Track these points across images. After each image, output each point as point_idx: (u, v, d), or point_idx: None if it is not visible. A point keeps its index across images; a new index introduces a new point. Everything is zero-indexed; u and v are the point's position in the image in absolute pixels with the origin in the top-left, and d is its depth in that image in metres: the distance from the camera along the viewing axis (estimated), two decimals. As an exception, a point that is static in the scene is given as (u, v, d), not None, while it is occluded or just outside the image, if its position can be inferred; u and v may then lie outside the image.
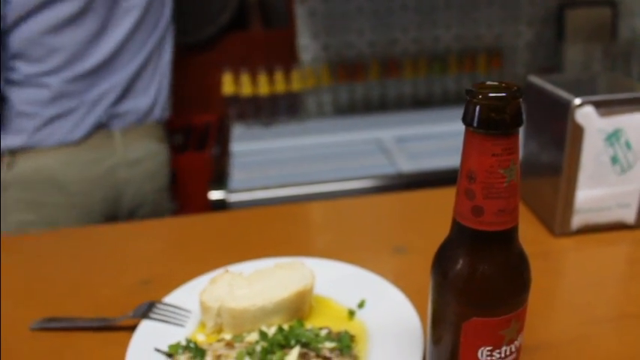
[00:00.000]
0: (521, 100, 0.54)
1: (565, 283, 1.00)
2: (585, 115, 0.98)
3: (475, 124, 0.55)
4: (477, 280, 0.60)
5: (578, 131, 0.99)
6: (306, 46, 2.66)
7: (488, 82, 0.57)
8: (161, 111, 1.72)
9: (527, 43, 2.83)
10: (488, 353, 0.62)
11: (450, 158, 2.12)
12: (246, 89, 2.53)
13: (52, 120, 1.58)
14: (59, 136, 1.59)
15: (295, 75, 2.59)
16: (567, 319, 0.88)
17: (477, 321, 0.60)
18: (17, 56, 1.53)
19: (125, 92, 1.60)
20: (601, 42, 2.77)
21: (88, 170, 1.64)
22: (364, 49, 2.71)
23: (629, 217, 1.07)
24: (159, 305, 0.88)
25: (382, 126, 2.50)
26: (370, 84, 2.70)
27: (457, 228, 0.61)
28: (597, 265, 1.02)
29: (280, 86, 2.56)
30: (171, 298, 0.90)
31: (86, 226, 1.51)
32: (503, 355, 0.63)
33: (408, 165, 2.16)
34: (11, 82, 1.57)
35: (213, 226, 1.23)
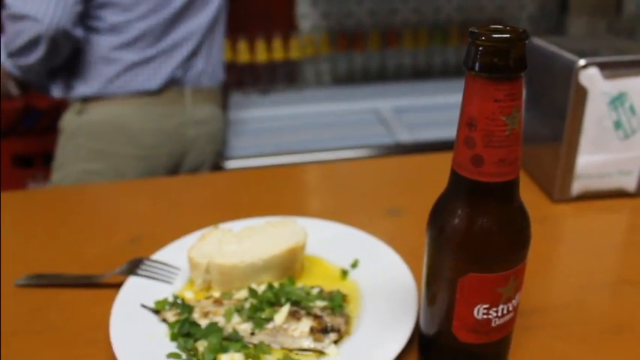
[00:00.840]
0: (526, 42, 0.51)
1: (563, 248, 0.97)
2: (589, 76, 0.95)
3: (477, 68, 0.51)
4: (474, 234, 0.57)
5: (582, 94, 0.96)
6: (306, 13, 2.61)
7: (492, 25, 0.53)
8: (222, 74, 1.82)
9: (529, 15, 2.78)
10: (485, 311, 0.60)
11: (448, 130, 2.07)
12: (243, 56, 2.49)
13: (131, 67, 1.58)
14: (136, 84, 1.59)
15: (294, 43, 2.54)
16: (564, 284, 0.86)
17: (473, 277, 0.58)
18: (104, 5, 1.52)
19: (198, 46, 1.66)
20: (605, 17, 2.71)
21: (160, 123, 1.64)
22: (364, 18, 2.66)
23: (630, 184, 1.04)
24: (147, 262, 0.85)
25: (381, 96, 2.46)
26: (369, 53, 2.66)
27: (455, 179, 0.58)
28: (596, 231, 0.99)
29: (278, 54, 2.51)
30: (160, 255, 0.87)
31: (75, 185, 1.47)
32: (500, 313, 0.60)
33: (406, 135, 2.13)
34: (94, 30, 1.55)
35: (206, 186, 1.20)
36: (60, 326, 0.78)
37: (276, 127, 2.29)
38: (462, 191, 0.57)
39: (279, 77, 2.54)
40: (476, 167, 0.54)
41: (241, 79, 2.53)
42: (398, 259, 0.82)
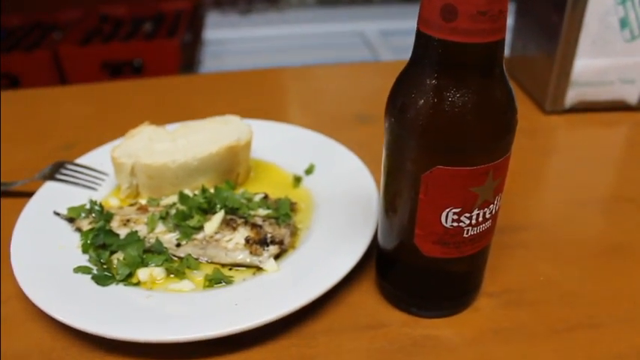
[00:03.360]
0: None
1: (553, 163, 0.84)
2: (595, -39, 0.79)
3: None
4: (443, 114, 0.43)
5: (584, -17, 0.81)
6: None
7: None
8: None
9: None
10: (455, 217, 0.46)
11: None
12: (222, -27, 2.29)
13: None
14: None
15: (277, -40, 2.33)
16: (553, 201, 0.73)
17: (441, 171, 0.44)
18: None
19: None
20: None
21: None
22: (352, -65, 2.44)
23: (632, 95, 0.90)
24: (69, 166, 0.71)
25: (366, 18, 2.28)
26: (357, -26, 2.45)
27: (420, 44, 0.43)
28: (591, 146, 0.86)
29: (260, -29, 2.31)
30: (86, 159, 0.73)
31: (17, 90, 1.31)
32: (474, 221, 0.47)
33: (391, 58, 1.97)
34: None
35: (158, 91, 1.05)
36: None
37: (255, 48, 2.14)
38: (428, 59, 0.43)
39: (260, -4, 2.34)
40: (447, 22, 0.40)
41: (219, -3, 2.33)
42: (360, 164, 0.69)
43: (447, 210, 0.46)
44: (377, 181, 0.66)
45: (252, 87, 1.05)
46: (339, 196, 0.65)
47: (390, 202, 0.50)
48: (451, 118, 0.42)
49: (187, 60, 2.01)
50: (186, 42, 2.09)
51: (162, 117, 0.86)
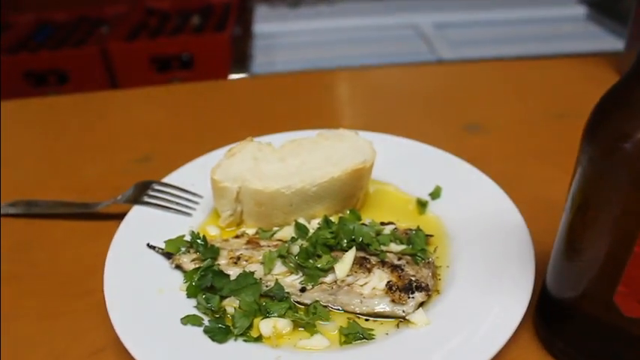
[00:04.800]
0: None
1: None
2: None
3: None
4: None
5: None
6: None
7: None
8: None
9: None
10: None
11: (494, 47, 1.80)
12: (270, -35, 2.17)
13: None
14: None
15: (326, -49, 2.21)
16: None
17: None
18: None
19: None
20: None
21: None
22: None
23: None
24: (156, 186, 0.61)
25: (420, 10, 2.14)
26: (408, -37, 2.32)
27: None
28: None
29: (309, -37, 2.19)
30: (174, 178, 0.63)
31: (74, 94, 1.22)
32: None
33: (449, 53, 1.85)
34: None
35: (231, 94, 0.94)
36: (45, 270, 0.58)
37: (305, 42, 2.02)
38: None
39: (309, -12, 2.22)
40: None
41: (268, -10, 2.22)
42: (494, 186, 0.57)
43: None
44: (517, 205, 0.55)
45: (330, 91, 0.95)
46: (476, 225, 0.54)
47: (580, 247, 0.39)
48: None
49: (238, 54, 1.91)
50: (235, 36, 1.99)
51: (241, 124, 0.76)
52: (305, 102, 0.88)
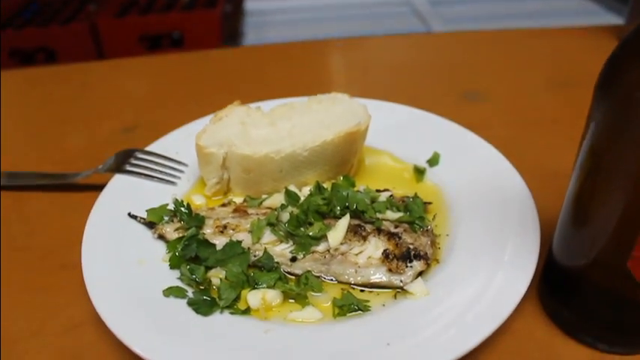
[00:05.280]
0: None
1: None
2: None
3: None
4: None
5: None
6: None
7: None
8: None
9: None
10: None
11: (489, 24, 1.77)
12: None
13: None
14: None
15: None
16: None
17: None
18: None
19: None
20: None
21: None
22: None
23: None
24: (139, 155, 0.58)
25: (414, -14, 2.10)
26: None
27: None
28: None
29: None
30: (158, 146, 0.60)
31: (56, 65, 1.17)
32: None
33: (441, 28, 1.81)
34: None
35: (219, 64, 0.90)
36: (21, 244, 0.54)
37: (297, 19, 1.99)
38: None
39: (301, -36, 2.17)
40: None
41: (260, -35, 2.17)
42: (495, 153, 0.54)
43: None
44: (521, 174, 0.52)
45: (322, 59, 0.91)
46: (477, 192, 0.51)
47: (589, 211, 0.36)
48: None
49: (229, 32, 1.86)
50: (226, 13, 1.94)
51: (230, 94, 0.72)
52: (296, 72, 0.84)
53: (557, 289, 0.43)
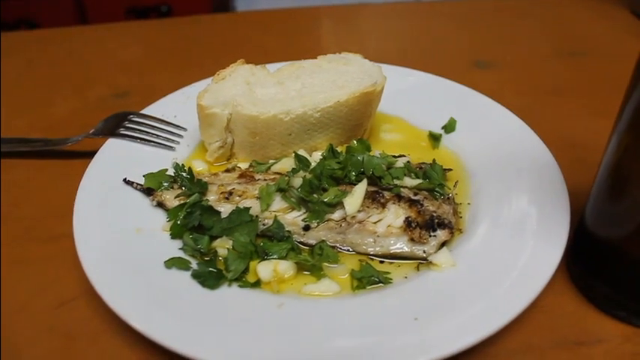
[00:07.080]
0: None
1: None
2: None
3: None
4: None
5: None
6: None
7: None
8: None
9: None
10: None
11: None
12: None
13: None
14: None
15: None
16: None
17: None
18: None
19: None
20: None
21: None
22: None
23: None
24: (134, 118, 0.53)
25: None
26: None
27: None
28: None
29: None
30: (155, 109, 0.55)
31: (44, 29, 1.10)
32: None
33: None
34: None
35: (215, 30, 0.85)
36: (7, 214, 0.49)
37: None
38: None
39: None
40: None
41: None
42: (515, 119, 0.50)
43: None
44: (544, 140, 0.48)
45: (329, 24, 0.86)
46: (498, 160, 0.47)
47: (630, 181, 0.32)
48: None
49: (219, 3, 1.79)
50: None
51: (227, 58, 0.67)
52: (298, 38, 0.80)
53: (589, 262, 0.39)
